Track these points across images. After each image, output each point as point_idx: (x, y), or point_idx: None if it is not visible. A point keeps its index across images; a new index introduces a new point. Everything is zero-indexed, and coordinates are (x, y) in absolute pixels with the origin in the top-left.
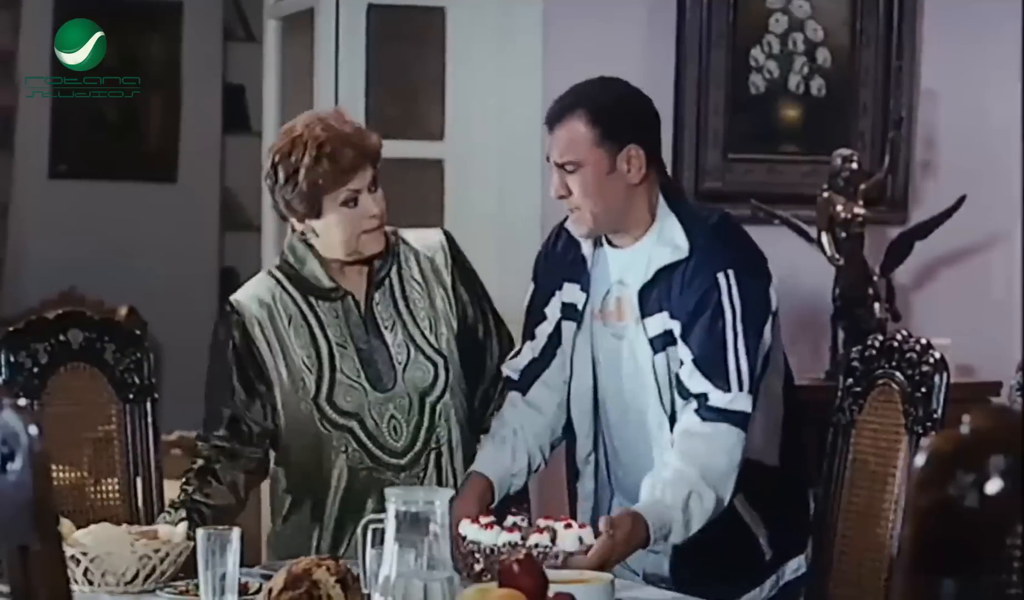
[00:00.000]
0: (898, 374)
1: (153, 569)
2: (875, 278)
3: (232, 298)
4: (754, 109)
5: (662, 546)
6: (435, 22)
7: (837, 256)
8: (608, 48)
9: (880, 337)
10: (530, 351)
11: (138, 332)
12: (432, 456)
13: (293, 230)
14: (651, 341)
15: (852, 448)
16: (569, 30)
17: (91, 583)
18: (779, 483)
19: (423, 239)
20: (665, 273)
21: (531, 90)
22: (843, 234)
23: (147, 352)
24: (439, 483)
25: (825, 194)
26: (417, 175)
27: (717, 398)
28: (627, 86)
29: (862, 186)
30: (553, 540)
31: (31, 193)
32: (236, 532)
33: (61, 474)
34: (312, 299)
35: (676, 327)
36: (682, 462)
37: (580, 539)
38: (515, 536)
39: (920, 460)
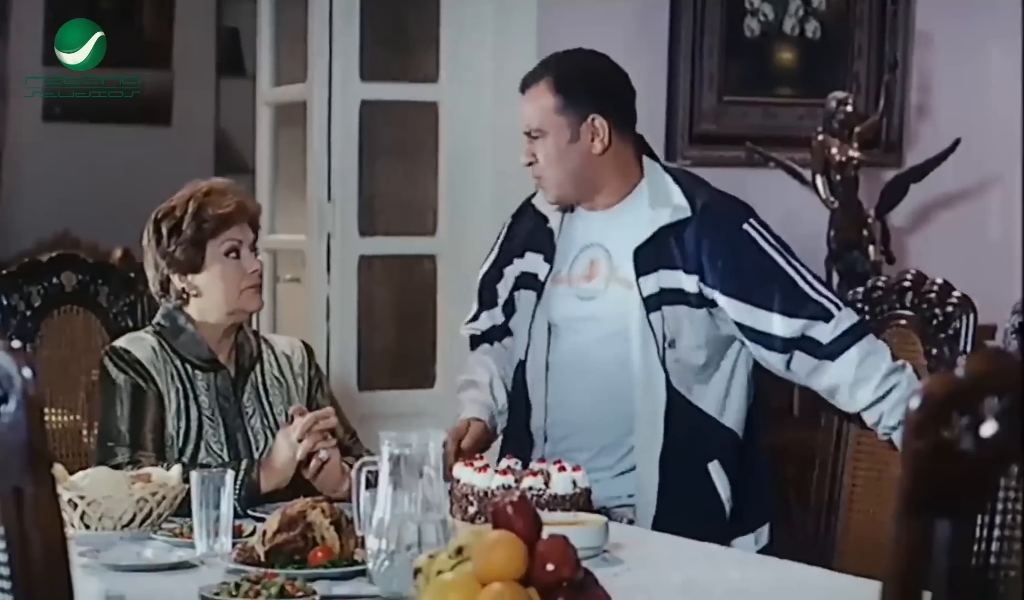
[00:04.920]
0: (910, 313)
1: (150, 512)
2: (870, 221)
3: (118, 346)
4: (749, 52)
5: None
6: None
7: (832, 199)
8: None
9: (884, 278)
10: (489, 318)
11: (132, 275)
12: None
13: (167, 297)
14: (645, 299)
15: None
16: None
17: (88, 526)
18: (745, 455)
19: (282, 341)
20: (667, 232)
21: (526, 28)
22: (838, 177)
23: (141, 295)
24: None
25: (820, 137)
26: (412, 117)
27: (822, 332)
28: (597, 57)
29: (857, 129)
30: (547, 483)
31: (25, 136)
32: (230, 474)
33: (55, 418)
34: (188, 367)
35: (691, 282)
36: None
37: (574, 482)
38: (509, 479)
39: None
